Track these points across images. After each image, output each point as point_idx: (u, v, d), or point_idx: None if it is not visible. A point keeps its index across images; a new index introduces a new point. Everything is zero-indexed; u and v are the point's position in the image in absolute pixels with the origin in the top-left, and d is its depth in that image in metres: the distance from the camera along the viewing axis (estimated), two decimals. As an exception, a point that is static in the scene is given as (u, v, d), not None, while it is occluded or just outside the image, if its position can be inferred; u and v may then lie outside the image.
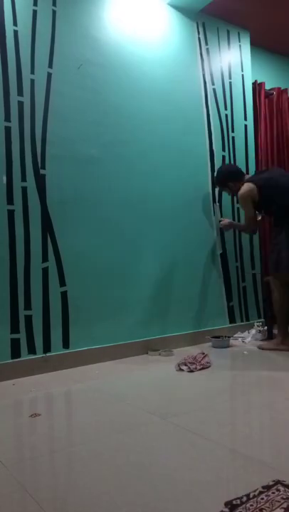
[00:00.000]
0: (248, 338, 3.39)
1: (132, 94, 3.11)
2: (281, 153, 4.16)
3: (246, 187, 3.10)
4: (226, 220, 3.45)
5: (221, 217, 3.53)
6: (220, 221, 3.47)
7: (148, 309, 3.12)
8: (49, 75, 2.76)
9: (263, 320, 3.69)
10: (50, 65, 2.77)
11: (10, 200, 2.57)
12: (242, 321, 3.64)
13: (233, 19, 3.72)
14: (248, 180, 3.14)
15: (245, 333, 3.49)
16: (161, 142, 3.25)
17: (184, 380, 2.42)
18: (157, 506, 1.18)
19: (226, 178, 3.29)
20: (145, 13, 3.24)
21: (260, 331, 3.44)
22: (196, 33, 3.55)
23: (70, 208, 2.79)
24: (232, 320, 3.58)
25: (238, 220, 3.67)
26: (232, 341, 3.33)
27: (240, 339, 3.39)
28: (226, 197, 3.62)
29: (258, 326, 3.49)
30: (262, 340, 3.37)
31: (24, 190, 2.63)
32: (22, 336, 2.58)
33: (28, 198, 2.64)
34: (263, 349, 3.09)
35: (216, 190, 3.56)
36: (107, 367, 2.75)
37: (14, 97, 2.62)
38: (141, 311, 3.08)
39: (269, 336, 3.39)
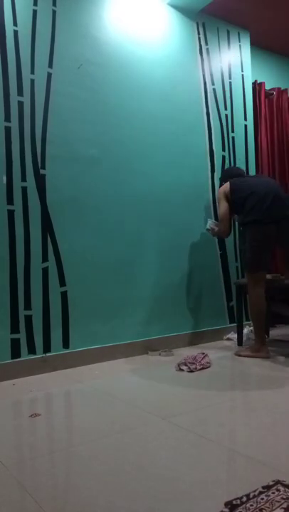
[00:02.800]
0: (244, 338, 3.37)
1: (131, 94, 3.11)
2: (281, 154, 4.16)
3: (223, 185, 3.12)
4: (212, 227, 3.24)
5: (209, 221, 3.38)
6: (207, 229, 3.28)
7: (148, 309, 3.12)
8: (49, 75, 2.76)
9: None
10: (50, 65, 2.77)
11: (10, 200, 2.57)
12: (242, 321, 3.63)
13: (233, 19, 3.72)
14: (231, 181, 3.10)
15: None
16: (161, 142, 3.25)
17: (184, 380, 2.42)
18: (157, 506, 1.18)
19: (222, 177, 3.42)
20: (145, 13, 3.24)
21: (252, 331, 3.43)
22: (196, 33, 3.55)
23: (70, 208, 2.79)
24: (232, 320, 3.58)
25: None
26: (227, 342, 3.34)
27: (235, 339, 3.39)
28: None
29: (250, 326, 3.48)
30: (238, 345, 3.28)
31: (24, 190, 2.63)
32: (22, 336, 2.58)
33: (28, 198, 2.64)
34: (239, 356, 2.92)
35: (216, 190, 3.56)
36: (107, 367, 2.75)
37: (14, 97, 2.62)
38: (141, 311, 3.08)
39: (240, 343, 3.27)
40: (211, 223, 3.26)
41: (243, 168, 3.75)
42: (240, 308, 3.32)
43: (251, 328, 3.43)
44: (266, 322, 3.38)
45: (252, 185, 2.96)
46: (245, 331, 3.43)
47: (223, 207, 3.04)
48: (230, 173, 3.25)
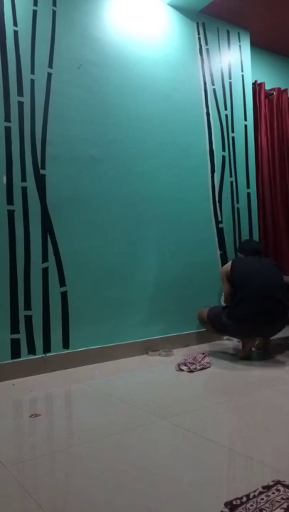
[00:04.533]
0: None
1: (131, 94, 3.11)
2: (281, 154, 4.15)
3: (226, 264, 3.03)
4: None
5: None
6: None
7: (148, 309, 3.11)
8: (49, 75, 2.76)
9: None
10: (50, 65, 2.77)
11: (10, 200, 2.57)
12: (242, 321, 3.63)
13: (233, 19, 3.72)
14: (234, 259, 3.09)
15: None
16: (161, 142, 3.25)
17: (184, 380, 2.42)
18: (157, 506, 1.18)
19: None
20: (145, 13, 3.24)
21: None
22: (196, 33, 3.55)
23: (70, 208, 2.79)
24: (232, 320, 3.58)
25: (239, 218, 3.68)
26: (227, 342, 3.34)
27: (235, 339, 3.39)
28: (227, 198, 3.62)
29: None
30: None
31: (24, 190, 2.63)
32: (22, 336, 2.58)
33: (28, 198, 2.64)
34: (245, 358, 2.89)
35: (216, 190, 3.56)
36: (107, 367, 2.75)
37: (14, 97, 2.62)
38: (141, 311, 3.08)
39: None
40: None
41: (243, 168, 3.76)
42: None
43: None
44: None
45: (250, 272, 2.85)
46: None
47: (225, 287, 2.96)
48: (242, 247, 3.18)
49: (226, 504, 1.15)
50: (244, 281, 2.82)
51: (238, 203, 3.71)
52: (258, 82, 4.03)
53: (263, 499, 1.16)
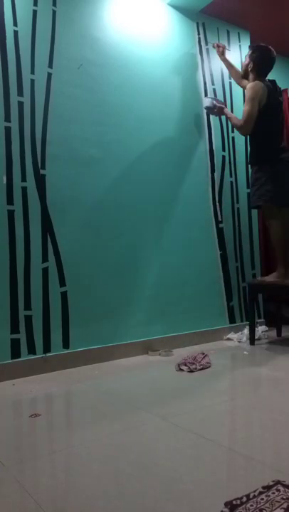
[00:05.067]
0: (244, 338, 3.38)
1: (131, 94, 3.11)
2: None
3: (260, 84, 3.04)
4: (217, 105, 3.25)
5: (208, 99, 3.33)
6: (208, 107, 3.21)
7: (148, 309, 3.11)
8: (49, 75, 2.76)
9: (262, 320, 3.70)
10: (50, 65, 2.77)
11: (10, 200, 2.57)
12: (242, 321, 3.63)
13: (233, 19, 3.72)
14: (266, 84, 3.10)
15: (239, 333, 3.47)
16: (161, 142, 3.25)
17: (184, 380, 2.42)
18: (157, 506, 1.18)
19: (261, 57, 3.15)
20: (145, 13, 3.24)
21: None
22: (196, 33, 3.55)
23: (70, 208, 2.79)
24: (232, 320, 3.58)
25: (239, 218, 3.68)
26: (227, 342, 3.35)
27: (235, 339, 3.39)
28: (227, 197, 3.62)
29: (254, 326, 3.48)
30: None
31: (24, 190, 2.63)
32: (22, 336, 2.58)
33: (28, 198, 2.64)
34: (264, 281, 3.24)
35: (216, 190, 3.56)
36: (107, 367, 2.75)
37: (14, 97, 2.62)
38: (141, 311, 3.08)
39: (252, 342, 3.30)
40: (212, 100, 3.15)
41: (244, 168, 3.76)
42: (252, 307, 3.32)
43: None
44: (279, 323, 3.44)
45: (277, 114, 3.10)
46: (245, 331, 3.43)
47: (255, 108, 3.00)
48: (269, 63, 3.16)
49: (226, 504, 1.15)
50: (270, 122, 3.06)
51: (238, 203, 3.71)
52: (258, 82, 4.03)
53: (263, 499, 1.16)
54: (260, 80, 3.11)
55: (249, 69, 3.20)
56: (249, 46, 3.37)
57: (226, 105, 3.47)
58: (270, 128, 3.12)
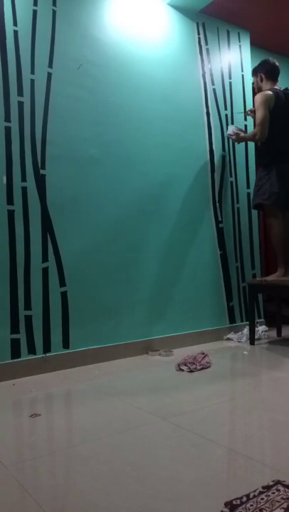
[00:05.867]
0: (244, 338, 3.38)
1: (131, 94, 3.11)
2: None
3: (269, 92, 3.19)
4: (235, 132, 3.39)
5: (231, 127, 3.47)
6: (230, 135, 3.41)
7: (148, 309, 3.11)
8: (49, 75, 2.76)
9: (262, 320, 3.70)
10: (50, 65, 2.77)
11: (10, 200, 2.57)
12: (242, 321, 3.64)
13: (233, 19, 3.72)
14: (273, 91, 3.22)
15: (239, 333, 3.48)
16: (161, 142, 3.25)
17: (184, 380, 2.42)
18: (157, 506, 1.18)
19: (262, 67, 3.35)
20: (145, 13, 3.24)
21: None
22: (196, 33, 3.55)
23: (70, 208, 2.79)
24: (232, 320, 3.58)
25: (239, 218, 3.68)
26: (227, 342, 3.34)
27: (235, 339, 3.39)
28: (227, 198, 3.62)
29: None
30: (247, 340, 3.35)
31: (24, 190, 2.63)
32: (22, 336, 2.58)
33: (28, 198, 2.64)
34: (265, 281, 3.26)
35: (216, 190, 3.56)
36: (107, 367, 2.75)
37: (14, 97, 2.62)
38: (141, 311, 3.08)
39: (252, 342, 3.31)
40: (233, 128, 3.34)
41: (244, 168, 3.76)
42: (252, 307, 3.32)
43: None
44: (279, 322, 3.45)
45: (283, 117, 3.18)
46: (245, 331, 3.43)
47: (266, 113, 3.15)
48: (275, 70, 3.31)
49: (226, 504, 1.15)
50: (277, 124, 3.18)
51: (238, 203, 3.71)
52: (258, 82, 4.03)
53: (263, 499, 1.16)
54: (271, 87, 3.26)
55: (260, 81, 3.34)
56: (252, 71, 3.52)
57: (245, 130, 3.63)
58: (277, 130, 3.20)
